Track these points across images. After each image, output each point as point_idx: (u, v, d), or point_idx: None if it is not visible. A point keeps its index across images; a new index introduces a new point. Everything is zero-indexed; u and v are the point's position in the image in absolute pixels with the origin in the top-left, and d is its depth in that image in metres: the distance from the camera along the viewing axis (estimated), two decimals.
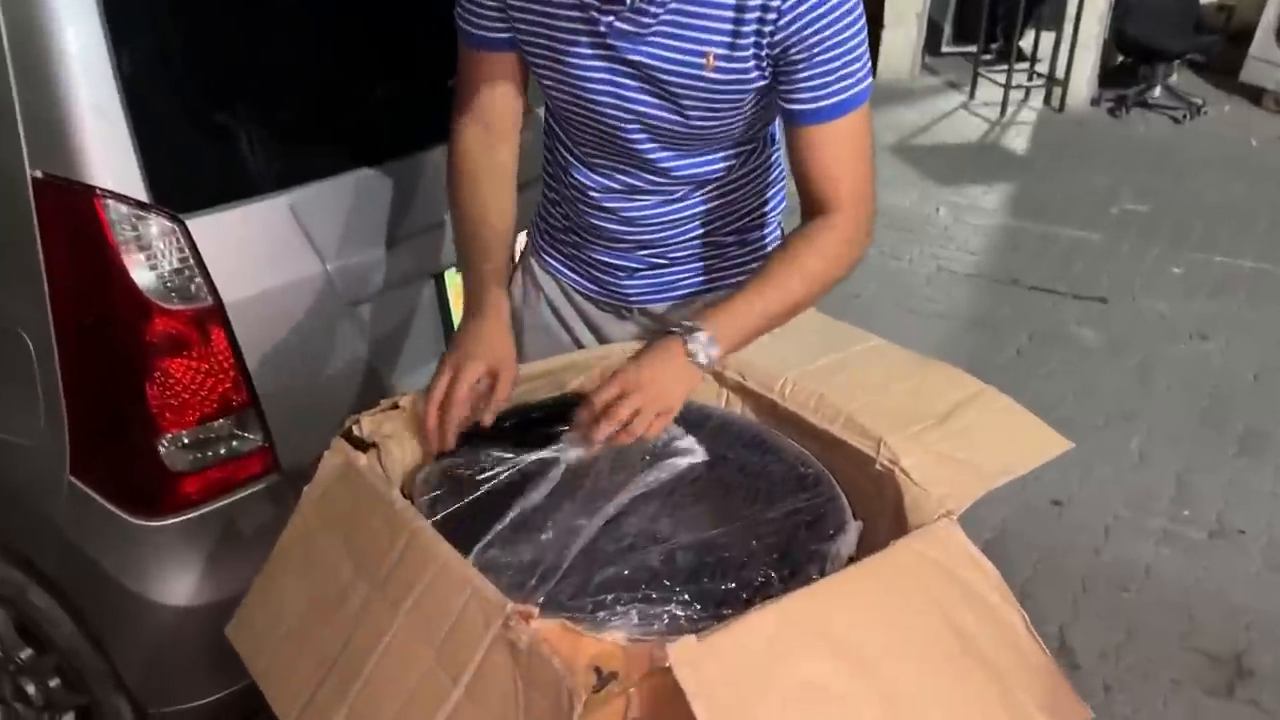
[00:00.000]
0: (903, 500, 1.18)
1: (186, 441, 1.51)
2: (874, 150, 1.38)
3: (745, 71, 1.32)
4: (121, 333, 1.44)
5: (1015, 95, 6.42)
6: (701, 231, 1.54)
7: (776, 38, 1.28)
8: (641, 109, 1.37)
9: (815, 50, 1.28)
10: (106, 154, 1.38)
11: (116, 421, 1.51)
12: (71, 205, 1.39)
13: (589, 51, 1.34)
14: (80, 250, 1.41)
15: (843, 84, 1.31)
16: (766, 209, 1.60)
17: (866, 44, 1.32)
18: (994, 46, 6.80)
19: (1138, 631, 2.49)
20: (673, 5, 1.29)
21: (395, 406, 1.32)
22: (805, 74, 1.30)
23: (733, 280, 1.57)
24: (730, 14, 1.28)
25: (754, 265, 1.56)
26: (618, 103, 1.37)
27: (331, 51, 1.67)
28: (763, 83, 1.33)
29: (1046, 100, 6.48)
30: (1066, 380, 3.56)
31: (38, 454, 1.55)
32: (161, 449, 1.49)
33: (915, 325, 3.90)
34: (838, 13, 1.27)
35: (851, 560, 1.13)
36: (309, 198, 1.58)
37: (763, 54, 1.30)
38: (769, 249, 1.60)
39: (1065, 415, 3.25)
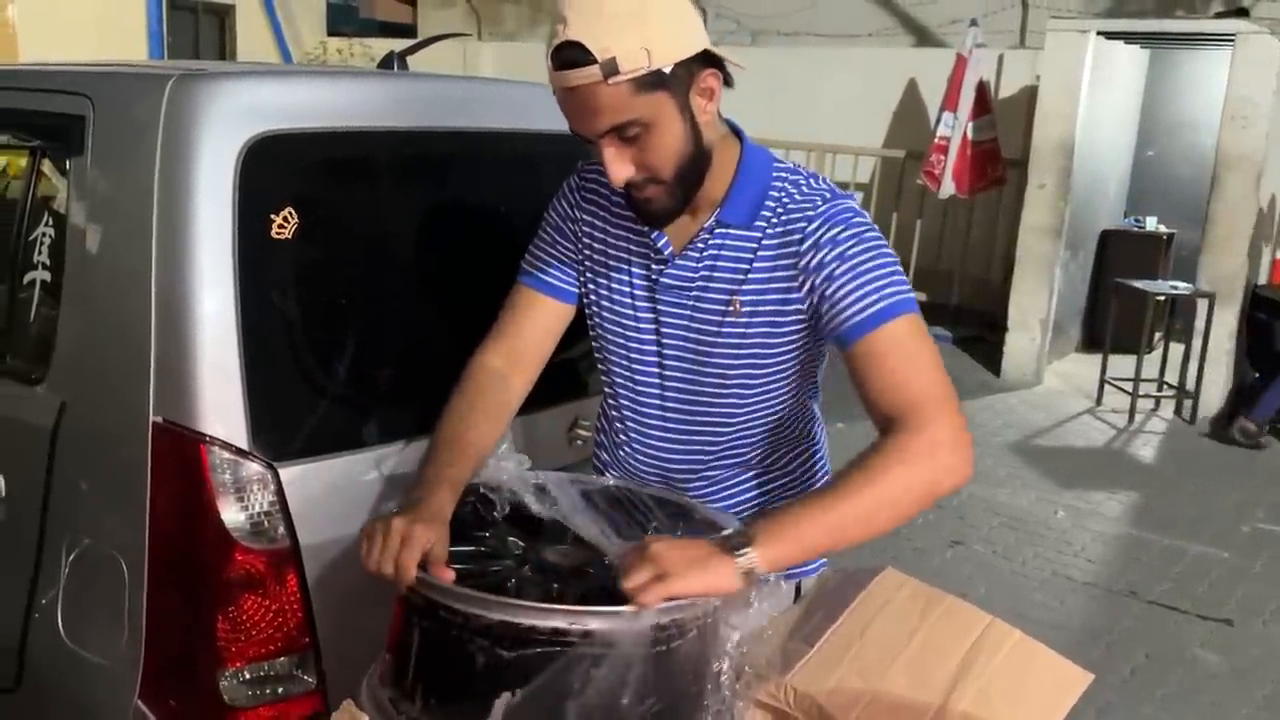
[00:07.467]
0: None
1: (246, 677, 1.57)
2: (940, 361, 1.34)
3: (781, 308, 1.39)
4: (204, 567, 1.56)
5: (1144, 404, 6.32)
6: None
7: (815, 260, 1.35)
8: (677, 361, 1.48)
9: (857, 260, 1.33)
10: (218, 406, 1.55)
11: (186, 651, 1.59)
12: (181, 448, 1.55)
13: (641, 296, 1.48)
14: (182, 489, 1.56)
15: (889, 289, 1.32)
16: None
17: (901, 269, 1.37)
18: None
19: None
20: (707, 260, 1.41)
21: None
22: (848, 285, 1.33)
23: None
24: (749, 254, 1.39)
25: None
26: (657, 355, 1.48)
27: (436, 321, 1.83)
28: (799, 320, 1.40)
29: (1177, 411, 6.36)
30: (1185, 707, 3.31)
31: (112, 675, 1.64)
32: (223, 682, 1.56)
33: (1025, 632, 3.70)
34: (865, 227, 1.36)
35: None
36: (399, 455, 1.70)
37: (798, 282, 1.37)
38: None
39: None
